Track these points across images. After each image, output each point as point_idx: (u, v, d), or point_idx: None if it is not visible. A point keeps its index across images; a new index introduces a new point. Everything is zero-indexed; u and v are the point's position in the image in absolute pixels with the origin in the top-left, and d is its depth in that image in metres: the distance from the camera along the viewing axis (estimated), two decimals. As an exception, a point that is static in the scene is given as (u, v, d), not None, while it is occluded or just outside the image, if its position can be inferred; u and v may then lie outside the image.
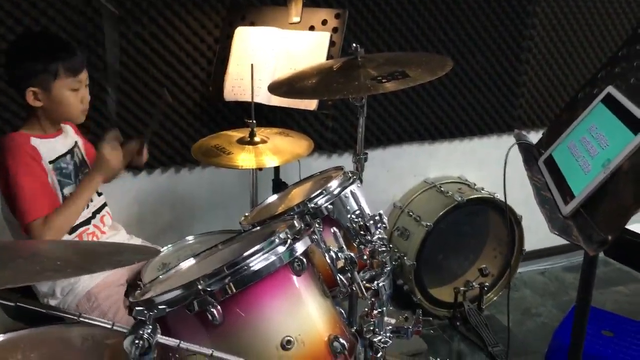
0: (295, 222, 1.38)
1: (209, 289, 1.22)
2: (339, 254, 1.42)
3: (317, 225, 1.45)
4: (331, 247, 1.44)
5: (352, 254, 1.42)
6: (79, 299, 1.92)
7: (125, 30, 2.40)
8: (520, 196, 3.27)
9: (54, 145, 1.93)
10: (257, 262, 1.26)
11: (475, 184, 3.11)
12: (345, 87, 1.75)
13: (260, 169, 2.27)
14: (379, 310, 1.46)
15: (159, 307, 1.20)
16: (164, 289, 1.32)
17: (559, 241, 3.35)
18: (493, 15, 2.94)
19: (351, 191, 1.65)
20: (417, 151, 3.12)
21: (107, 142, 1.96)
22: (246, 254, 1.26)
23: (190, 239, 2.14)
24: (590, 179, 1.09)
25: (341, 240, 1.42)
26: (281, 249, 1.29)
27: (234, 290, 1.23)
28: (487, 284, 3.04)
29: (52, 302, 1.91)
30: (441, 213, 2.83)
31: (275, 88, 1.99)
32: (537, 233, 3.14)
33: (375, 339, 1.46)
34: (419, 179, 3.18)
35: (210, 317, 1.22)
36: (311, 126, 2.82)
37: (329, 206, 1.60)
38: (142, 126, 2.49)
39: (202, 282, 1.23)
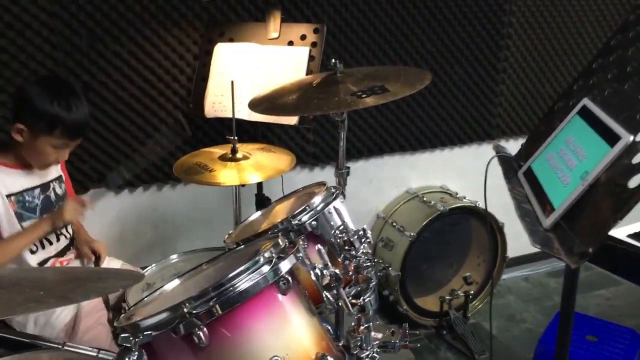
0: (279, 240, 1.38)
1: (194, 312, 1.22)
2: (324, 271, 1.42)
3: (301, 242, 1.45)
4: (316, 264, 1.44)
5: (337, 271, 1.43)
6: (57, 333, 1.90)
7: (103, 49, 2.39)
8: (501, 204, 3.31)
9: (19, 178, 1.93)
10: (243, 283, 1.25)
11: (457, 193, 3.14)
12: (325, 103, 1.76)
13: (243, 185, 2.27)
14: (366, 325, 1.46)
15: (145, 332, 1.19)
16: (149, 313, 1.31)
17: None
18: (469, 27, 2.98)
19: (335, 207, 1.65)
20: (398, 162, 3.13)
21: (75, 200, 2.00)
22: (231, 274, 1.25)
23: (174, 257, 2.13)
24: (570, 191, 1.11)
25: (326, 257, 1.42)
26: (266, 268, 1.28)
27: (220, 312, 1.23)
28: (471, 292, 3.05)
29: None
30: (424, 223, 2.85)
31: (256, 105, 1.99)
32: (519, 240, 3.17)
33: (362, 355, 1.47)
34: (402, 190, 3.20)
35: (196, 339, 1.22)
36: (292, 140, 2.83)
37: (313, 222, 1.60)
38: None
39: (187, 304, 1.22)
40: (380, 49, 2.85)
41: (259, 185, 2.58)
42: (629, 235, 2.31)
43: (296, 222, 1.59)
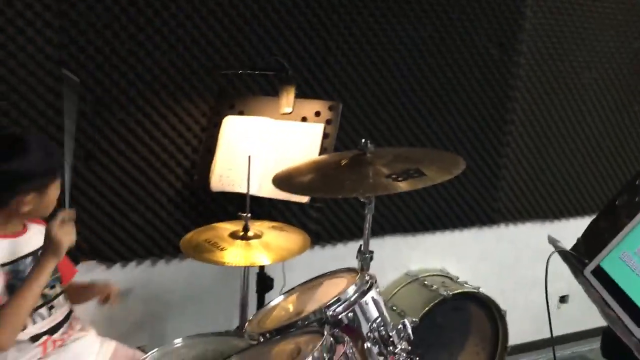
0: (326, 338, 1.25)
1: None
2: (375, 372, 1.29)
3: (347, 339, 1.32)
4: (364, 364, 1.31)
5: (387, 372, 1.30)
6: None
7: (108, 117, 2.28)
8: (499, 290, 3.24)
9: (13, 246, 1.75)
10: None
11: (458, 277, 3.05)
12: (359, 185, 1.67)
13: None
14: None
15: None
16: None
17: (540, 336, 3.32)
18: (473, 107, 2.98)
19: (373, 298, 1.53)
20: (399, 243, 3.04)
21: (56, 221, 1.71)
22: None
23: (177, 342, 1.94)
24: (663, 298, 1.03)
25: (376, 356, 1.29)
26: (318, 372, 1.15)
27: None
28: (472, 382, 2.92)
29: None
30: (427, 308, 2.74)
31: (280, 181, 1.89)
32: (517, 326, 3.08)
33: None
34: (401, 272, 3.10)
35: None
36: (295, 217, 2.72)
37: (350, 314, 1.47)
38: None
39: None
40: (387, 128, 2.81)
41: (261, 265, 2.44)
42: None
43: (331, 313, 1.46)
